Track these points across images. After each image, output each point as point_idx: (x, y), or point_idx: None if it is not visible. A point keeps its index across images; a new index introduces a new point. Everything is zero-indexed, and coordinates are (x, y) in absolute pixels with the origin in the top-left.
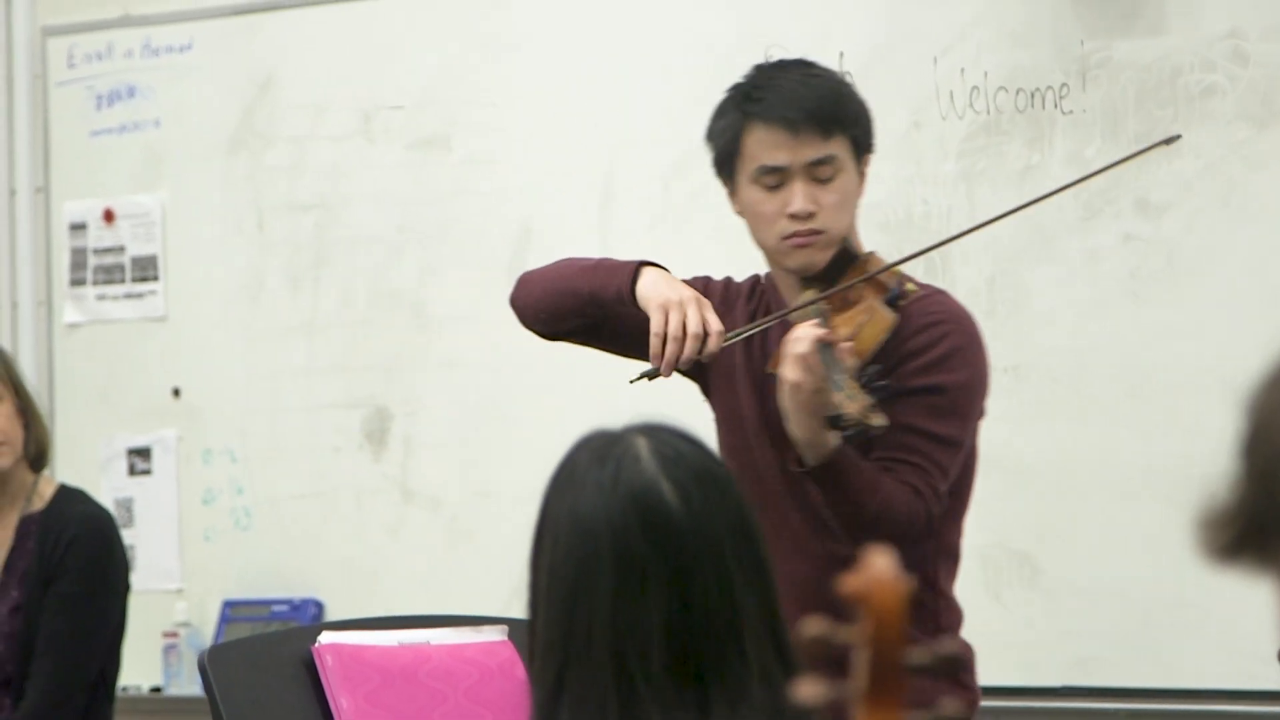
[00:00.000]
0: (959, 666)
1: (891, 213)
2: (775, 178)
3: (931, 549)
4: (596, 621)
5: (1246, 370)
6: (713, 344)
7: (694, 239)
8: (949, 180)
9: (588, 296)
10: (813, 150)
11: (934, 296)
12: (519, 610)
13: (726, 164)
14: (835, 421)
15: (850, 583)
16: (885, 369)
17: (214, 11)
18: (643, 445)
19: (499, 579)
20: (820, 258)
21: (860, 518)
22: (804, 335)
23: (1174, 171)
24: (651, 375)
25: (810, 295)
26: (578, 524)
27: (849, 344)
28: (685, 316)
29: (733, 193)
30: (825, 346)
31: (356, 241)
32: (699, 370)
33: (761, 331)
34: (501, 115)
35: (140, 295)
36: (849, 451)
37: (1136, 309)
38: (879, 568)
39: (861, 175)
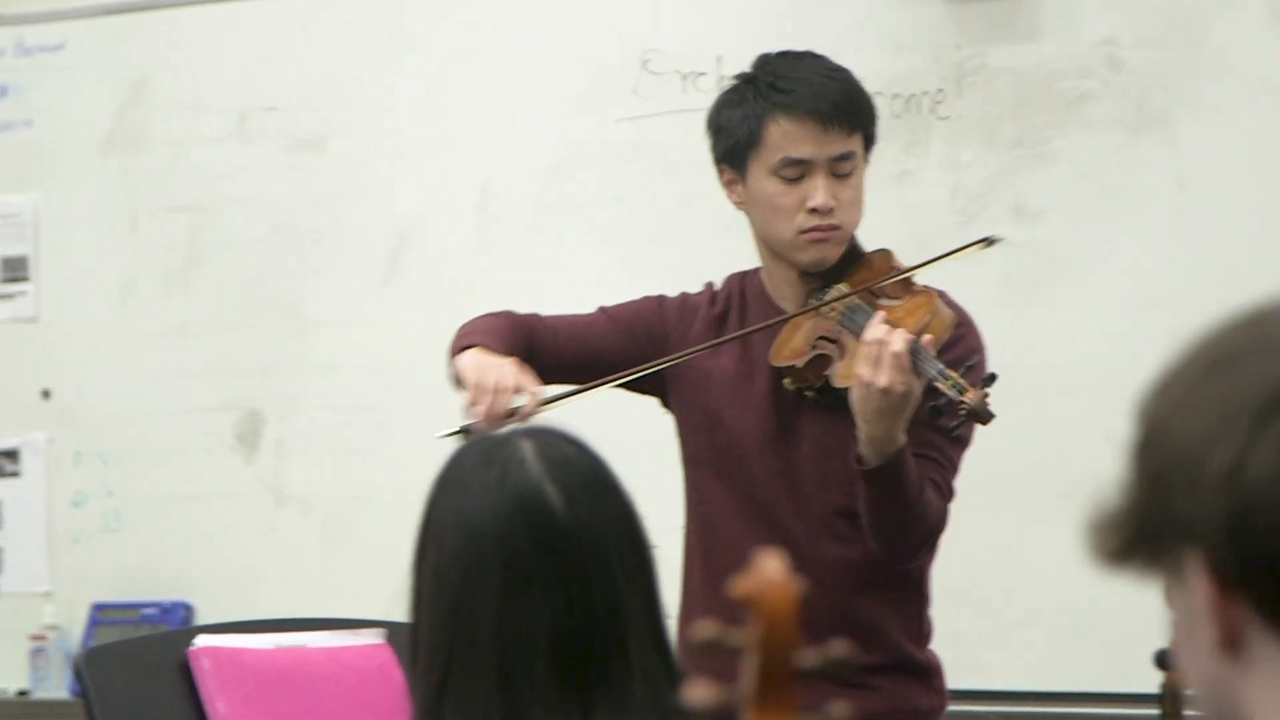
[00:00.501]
0: (851, 670)
1: None
2: (797, 170)
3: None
4: (481, 624)
5: (1118, 374)
6: (529, 406)
7: (571, 242)
8: None
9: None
10: (838, 145)
11: (943, 296)
12: (394, 614)
13: (740, 153)
14: (943, 409)
15: (740, 586)
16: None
17: (88, 11)
18: (528, 448)
19: (373, 582)
20: (834, 253)
21: (904, 519)
22: (896, 336)
23: (1049, 177)
24: (467, 431)
25: (842, 289)
26: (463, 527)
27: (929, 337)
28: (500, 373)
29: (737, 182)
30: (915, 344)
31: (232, 244)
32: (657, 382)
33: (755, 333)
34: (379, 118)
35: (11, 296)
36: (909, 452)
37: (1012, 314)
38: (769, 570)
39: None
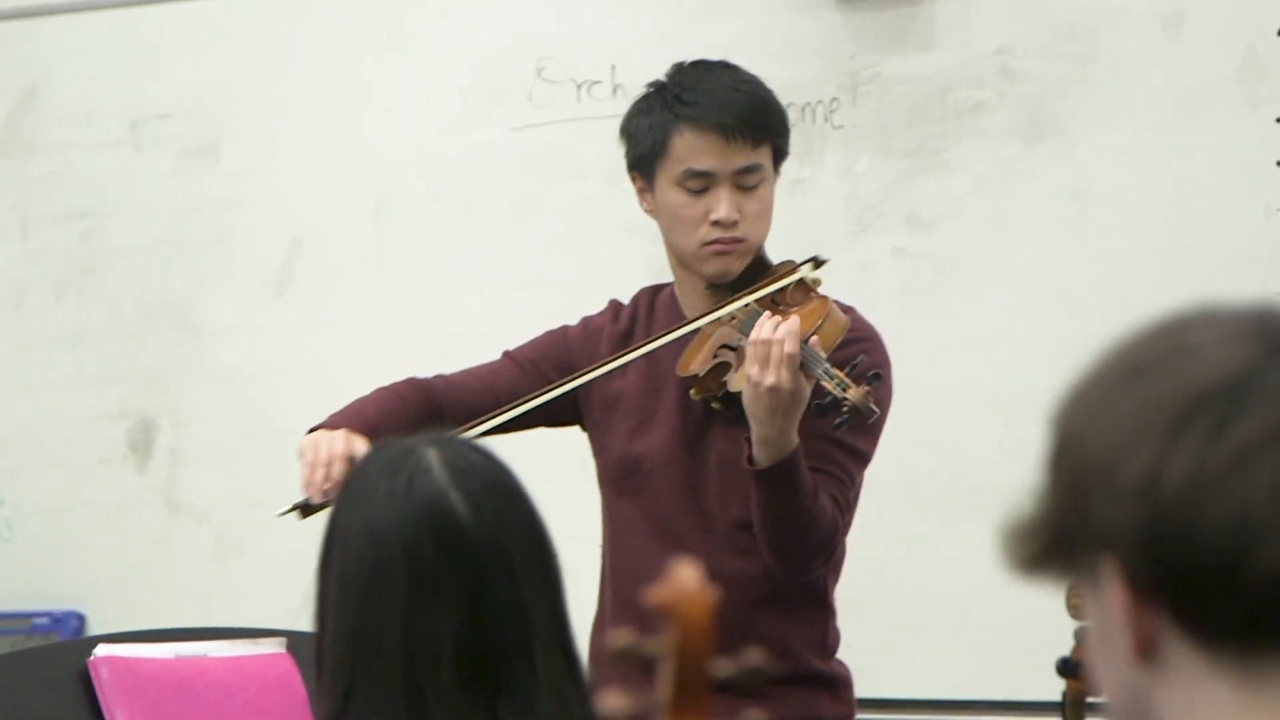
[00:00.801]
0: (764, 678)
1: None
2: (701, 182)
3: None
4: (387, 632)
5: (1012, 383)
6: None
7: (466, 249)
8: None
9: None
10: (742, 158)
11: (851, 312)
12: (288, 624)
13: (647, 163)
14: (828, 408)
15: (656, 594)
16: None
17: None
18: (434, 456)
19: (267, 593)
20: (737, 265)
21: (795, 524)
22: (783, 334)
23: (943, 187)
24: (304, 508)
25: (741, 299)
26: (369, 535)
27: (815, 338)
28: (331, 445)
29: (647, 191)
30: (802, 344)
31: (124, 251)
32: (570, 409)
33: (660, 348)
34: (272, 125)
35: None
36: (801, 455)
37: (905, 323)
38: (685, 578)
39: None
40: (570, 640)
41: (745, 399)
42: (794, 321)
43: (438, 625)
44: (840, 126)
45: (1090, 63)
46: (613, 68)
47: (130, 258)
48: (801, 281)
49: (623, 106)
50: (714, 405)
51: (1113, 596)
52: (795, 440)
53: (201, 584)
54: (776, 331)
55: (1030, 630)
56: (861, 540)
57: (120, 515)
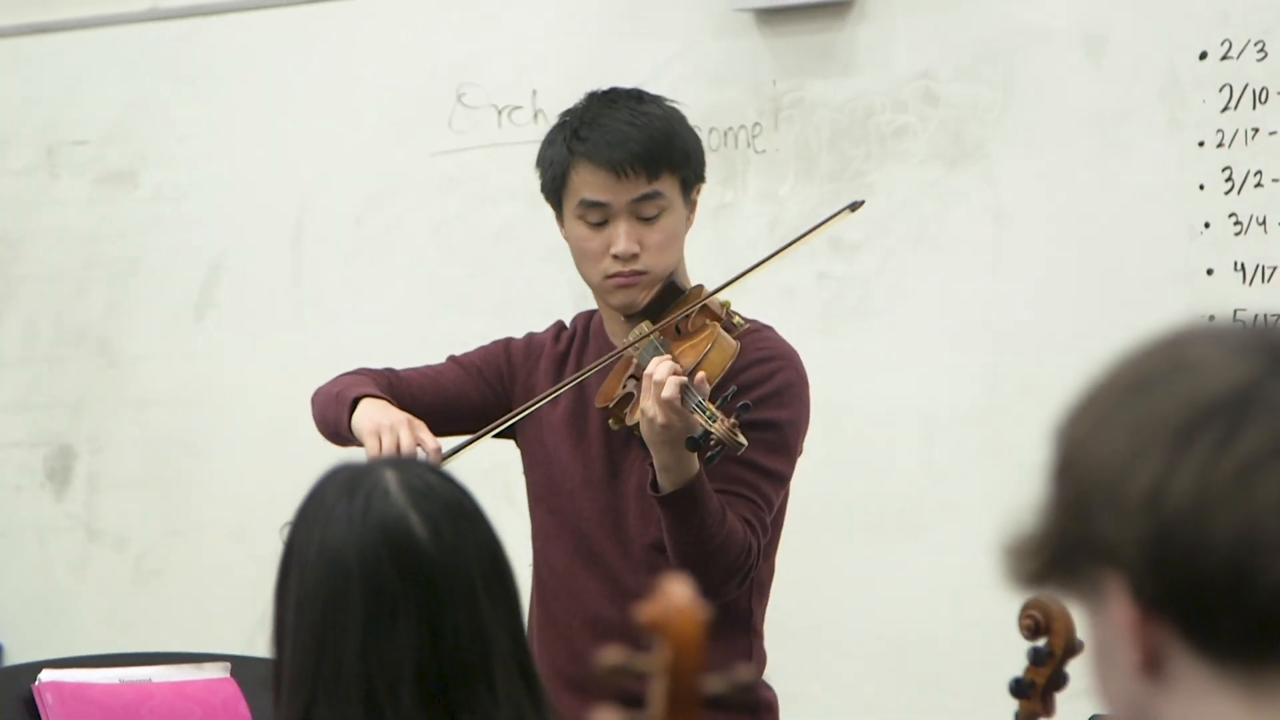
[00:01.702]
0: (754, 695)
1: None
2: (598, 214)
3: (748, 586)
4: (346, 655)
5: (936, 404)
6: (433, 460)
7: (387, 275)
8: None
9: (337, 425)
10: (636, 189)
11: (763, 331)
12: (209, 649)
13: (553, 193)
14: (700, 442)
15: (647, 611)
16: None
17: None
18: (391, 478)
19: (188, 618)
20: (641, 297)
21: (704, 548)
22: (668, 378)
23: (867, 211)
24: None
25: (644, 328)
26: (326, 557)
27: (700, 374)
28: (398, 438)
29: (558, 219)
30: (682, 379)
31: (40, 277)
32: (510, 427)
33: (587, 376)
34: (190, 150)
35: None
36: (705, 480)
37: (830, 346)
38: (676, 595)
39: (691, 207)
40: (529, 660)
41: (641, 429)
42: (668, 364)
43: (397, 647)
44: (763, 151)
45: (1013, 86)
46: (534, 93)
47: (47, 283)
48: (704, 307)
49: (544, 132)
50: (634, 432)
51: (1117, 611)
52: (695, 467)
53: (121, 611)
54: (657, 370)
55: (968, 651)
56: (788, 562)
57: (38, 542)
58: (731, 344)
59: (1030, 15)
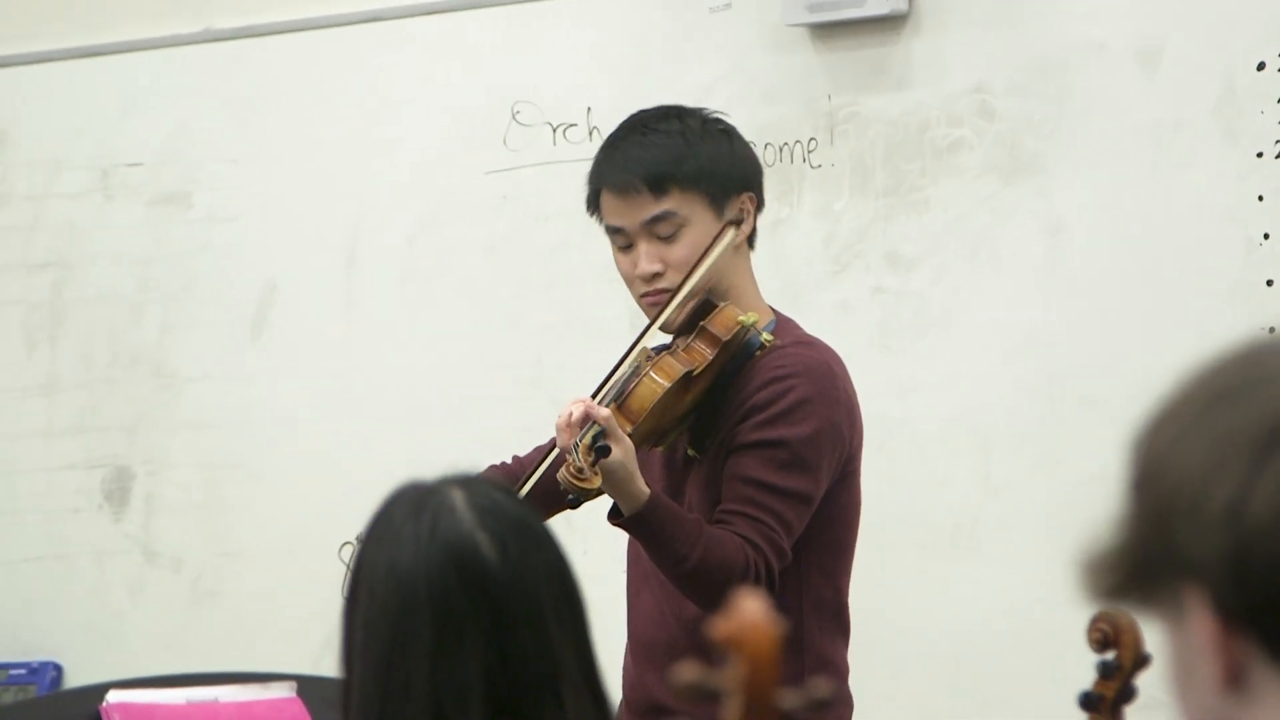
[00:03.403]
0: (831, 709)
1: None
2: (622, 238)
3: (795, 604)
4: (415, 675)
5: (993, 421)
6: (573, 478)
7: (441, 294)
8: None
9: None
10: (648, 209)
11: (789, 349)
12: (266, 669)
13: (594, 215)
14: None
15: (721, 627)
16: (722, 420)
17: None
18: (459, 497)
19: (244, 639)
20: (672, 315)
21: (680, 568)
22: (568, 411)
23: (923, 225)
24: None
25: (644, 352)
26: (394, 577)
27: (606, 412)
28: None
29: None
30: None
31: (95, 300)
32: None
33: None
34: (243, 172)
35: None
36: (663, 503)
37: (886, 361)
38: (750, 611)
39: (736, 222)
40: (598, 680)
41: None
42: (579, 404)
43: (465, 667)
44: (818, 166)
45: (1068, 99)
46: (588, 110)
47: (102, 306)
48: (703, 329)
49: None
50: (689, 453)
51: (1198, 625)
52: (643, 493)
53: (178, 632)
54: (572, 405)
55: (1026, 667)
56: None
57: (96, 564)
58: (661, 385)
59: (1084, 28)
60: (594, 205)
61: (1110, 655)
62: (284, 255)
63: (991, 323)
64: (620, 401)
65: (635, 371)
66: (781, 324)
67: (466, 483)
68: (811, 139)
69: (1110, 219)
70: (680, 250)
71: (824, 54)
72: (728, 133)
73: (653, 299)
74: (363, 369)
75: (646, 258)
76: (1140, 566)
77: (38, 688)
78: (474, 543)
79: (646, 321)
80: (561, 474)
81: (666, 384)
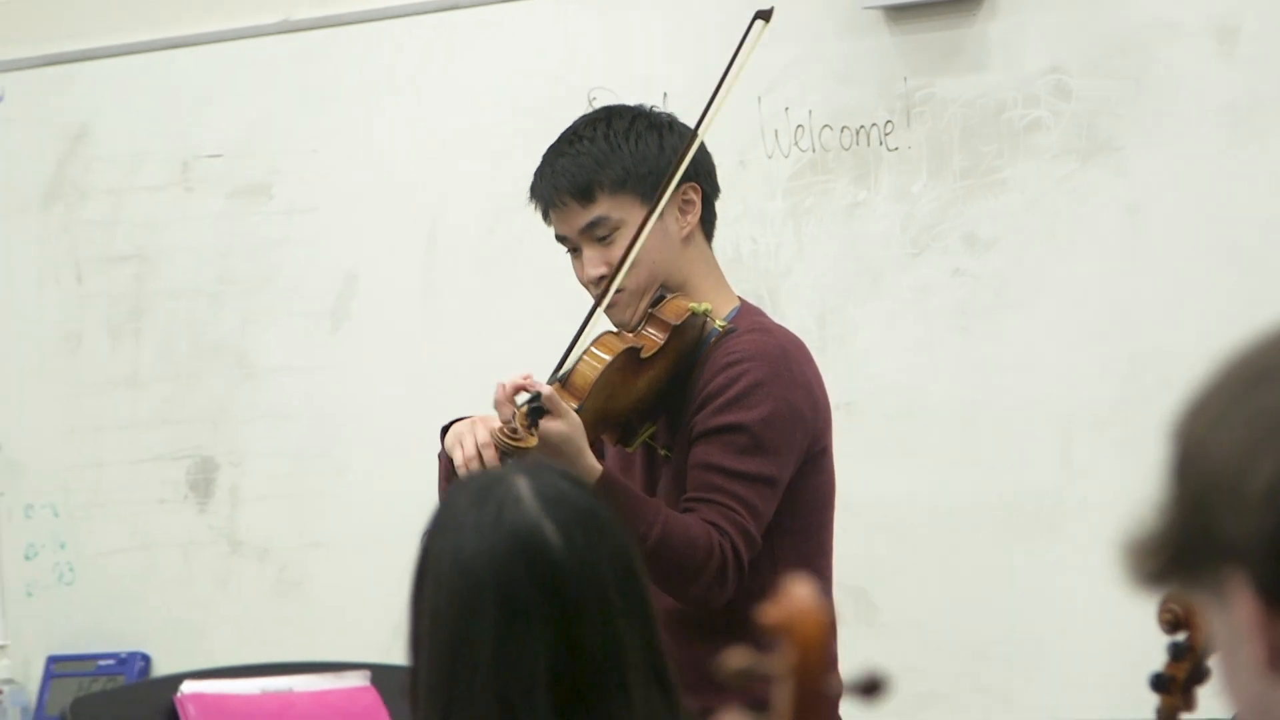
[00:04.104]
0: (883, 690)
1: (720, 251)
2: (569, 245)
3: (771, 590)
4: (481, 663)
5: (1074, 402)
6: (505, 436)
7: (520, 282)
8: (776, 218)
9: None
10: (580, 218)
11: (743, 336)
12: (350, 659)
13: None
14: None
15: (771, 613)
16: (685, 413)
17: (25, 62)
18: (524, 485)
19: (329, 628)
20: (629, 314)
21: (639, 549)
22: (499, 391)
23: (1001, 206)
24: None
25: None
26: (460, 566)
27: (549, 390)
28: (475, 435)
29: None
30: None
31: (177, 292)
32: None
33: None
34: (322, 162)
35: None
36: (617, 481)
37: (965, 343)
38: (800, 597)
39: (683, 210)
40: (664, 668)
41: None
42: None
43: (531, 656)
44: (895, 149)
45: (1144, 79)
46: (664, 96)
47: (183, 298)
48: (652, 316)
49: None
50: (660, 451)
51: (1241, 607)
52: (593, 469)
53: (264, 621)
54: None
55: (1099, 649)
56: (928, 563)
57: (182, 555)
58: (601, 359)
59: (1160, 7)
60: (546, 217)
61: (1181, 637)
62: (363, 245)
63: (1070, 303)
64: (564, 379)
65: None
66: (743, 312)
67: (532, 471)
68: (888, 122)
69: (1188, 197)
70: (618, 251)
71: (899, 36)
72: (658, 127)
73: (606, 300)
74: (442, 358)
75: (590, 262)
76: (1182, 550)
77: (126, 678)
78: (539, 531)
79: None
80: (495, 433)
81: (607, 358)
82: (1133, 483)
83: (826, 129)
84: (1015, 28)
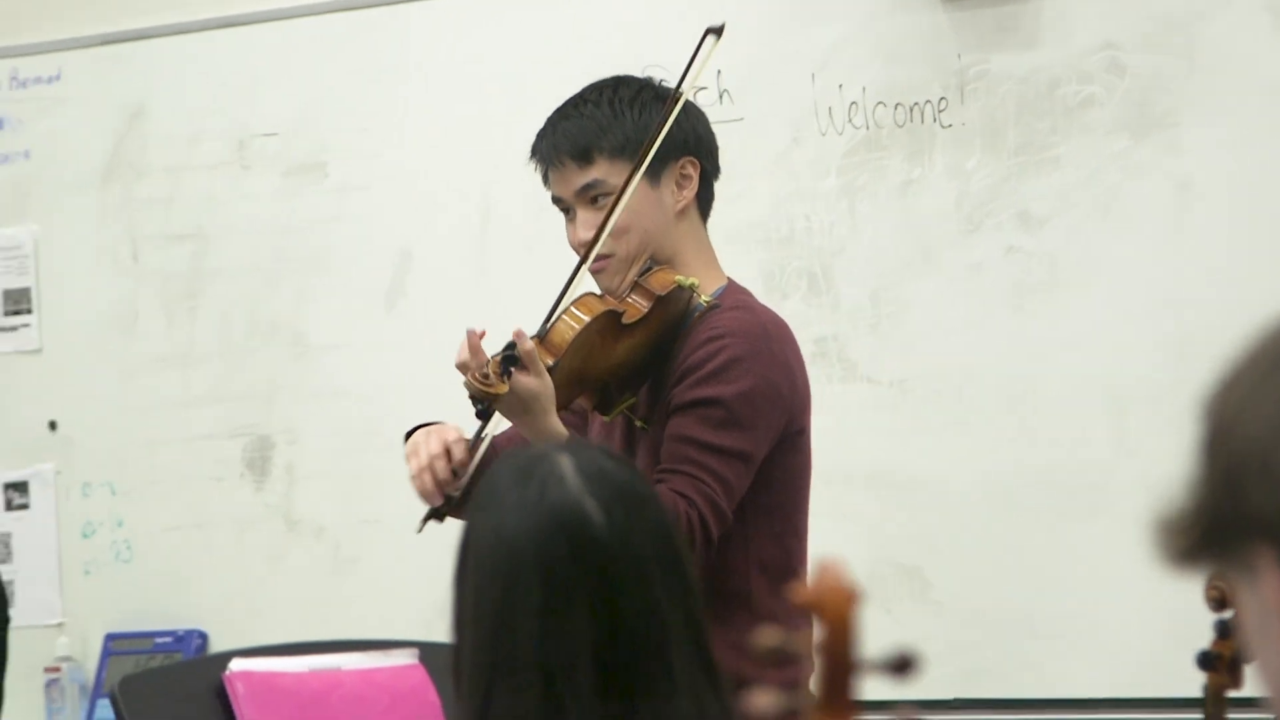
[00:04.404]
0: (913, 668)
1: (774, 230)
2: (563, 207)
3: (742, 566)
4: (523, 641)
5: (1128, 379)
6: (457, 452)
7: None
8: (830, 196)
9: None
10: (577, 179)
11: (726, 312)
12: (406, 636)
13: None
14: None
15: (802, 591)
16: (666, 387)
17: (83, 41)
18: (566, 464)
19: (384, 606)
20: (617, 281)
21: None
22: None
23: (1054, 183)
24: (435, 514)
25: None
26: (502, 544)
27: (530, 344)
28: (429, 443)
29: None
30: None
31: (232, 270)
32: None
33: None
34: (377, 140)
35: (14, 328)
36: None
37: (1019, 321)
38: (831, 575)
39: (678, 184)
40: (707, 646)
41: None
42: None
43: (573, 634)
44: (949, 126)
45: (1197, 54)
46: (718, 73)
47: (239, 277)
48: (637, 284)
49: (729, 112)
50: (635, 422)
51: (1269, 584)
52: (559, 433)
53: (320, 599)
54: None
55: (1150, 627)
56: (981, 540)
57: (239, 533)
58: (579, 319)
59: None
60: (545, 179)
61: (1228, 614)
62: (418, 223)
63: (1123, 280)
64: (542, 336)
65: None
66: (730, 291)
67: (574, 449)
68: (942, 99)
69: (1242, 173)
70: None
71: (953, 13)
72: (663, 99)
73: (596, 265)
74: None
75: (583, 225)
76: (1212, 528)
77: (183, 655)
78: (581, 509)
79: (779, 283)
80: (468, 380)
81: (586, 318)
82: (1184, 459)
83: (880, 106)
84: (1069, 4)
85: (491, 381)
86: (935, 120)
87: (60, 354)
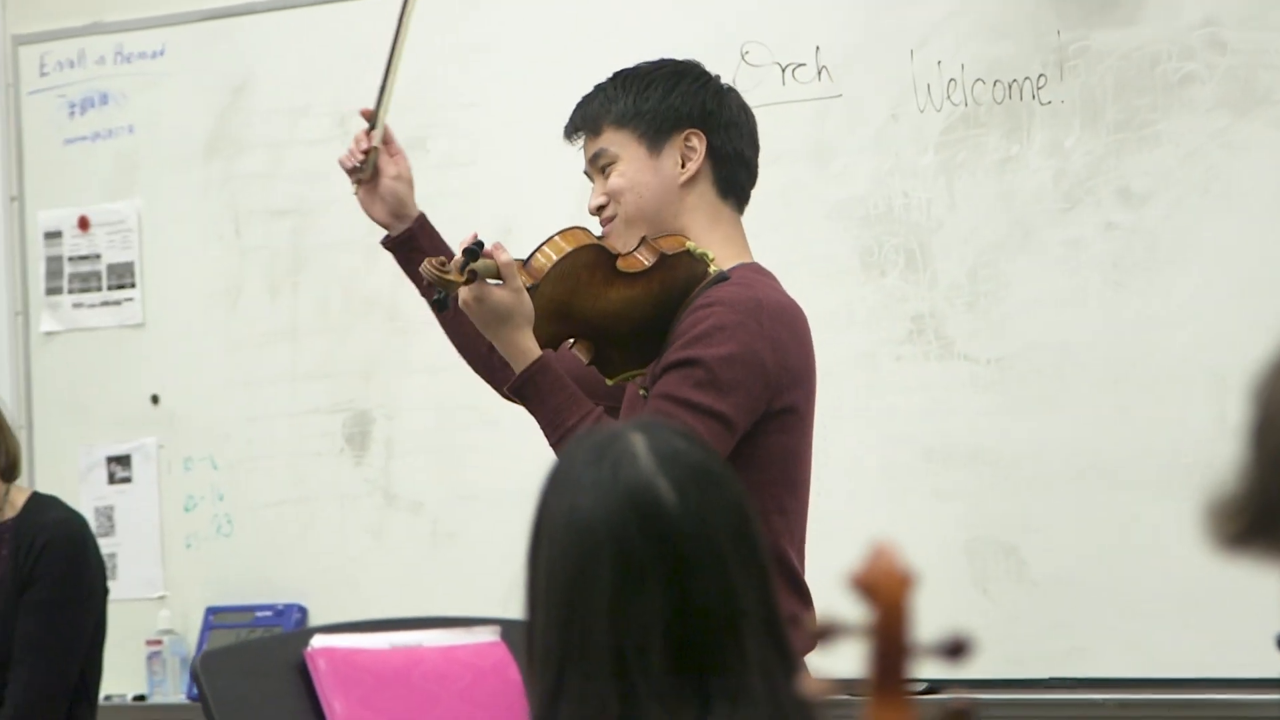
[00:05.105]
0: (967, 651)
1: (872, 206)
2: (588, 178)
3: None
4: (595, 621)
5: (1228, 358)
6: (433, 266)
7: None
8: (928, 172)
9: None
10: (589, 150)
11: (725, 285)
12: (502, 612)
13: None
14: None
15: (856, 575)
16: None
17: (186, 17)
18: (640, 443)
19: (482, 581)
20: (620, 242)
21: (557, 446)
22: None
23: (1154, 160)
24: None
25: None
26: (575, 523)
27: (507, 256)
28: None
29: None
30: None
31: (333, 246)
32: None
33: None
34: (478, 116)
35: (117, 303)
36: (553, 368)
37: (1118, 298)
38: (884, 559)
39: (684, 156)
40: (780, 625)
41: None
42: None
43: (646, 613)
44: (1048, 102)
45: None
46: (817, 49)
47: (340, 252)
48: (644, 239)
49: (828, 89)
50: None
51: None
52: (531, 350)
53: (418, 574)
54: None
55: (1248, 607)
56: (1079, 519)
57: (339, 508)
58: (561, 247)
59: None
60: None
61: None
62: (519, 199)
63: (1224, 258)
64: (526, 260)
65: None
66: (744, 269)
67: (647, 428)
68: (1041, 75)
69: None
70: (612, 181)
71: None
72: (679, 74)
73: (604, 230)
74: None
75: (594, 193)
76: (1262, 513)
77: (283, 629)
78: (654, 489)
79: (876, 259)
80: (425, 266)
81: (567, 247)
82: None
83: (979, 83)
84: None
85: (448, 269)
86: (1034, 97)
87: (163, 328)
